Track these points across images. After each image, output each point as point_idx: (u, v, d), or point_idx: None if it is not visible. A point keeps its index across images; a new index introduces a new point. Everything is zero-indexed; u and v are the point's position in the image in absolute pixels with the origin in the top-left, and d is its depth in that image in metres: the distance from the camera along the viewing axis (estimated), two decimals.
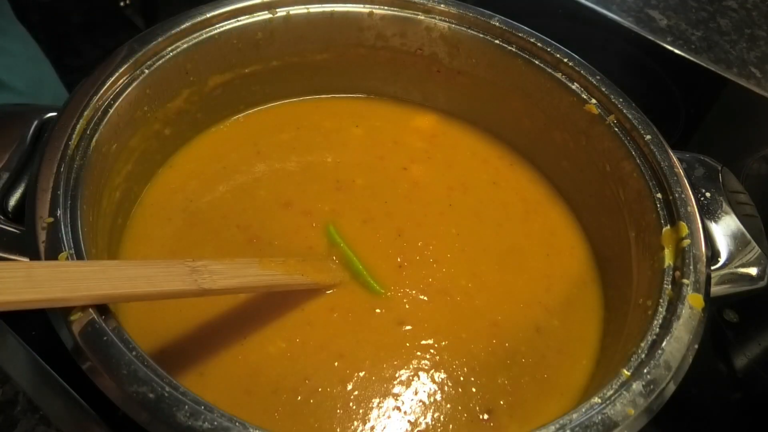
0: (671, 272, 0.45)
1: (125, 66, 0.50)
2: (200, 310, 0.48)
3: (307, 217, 0.56)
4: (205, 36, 0.55)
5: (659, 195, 0.49)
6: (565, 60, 0.56)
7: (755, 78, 0.92)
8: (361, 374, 0.47)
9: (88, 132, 0.46)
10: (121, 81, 0.50)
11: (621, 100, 0.54)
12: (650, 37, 0.88)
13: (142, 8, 1.19)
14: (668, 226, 0.47)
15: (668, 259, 0.46)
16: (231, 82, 0.60)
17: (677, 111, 0.79)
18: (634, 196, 0.51)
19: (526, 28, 0.59)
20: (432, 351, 0.49)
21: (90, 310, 0.36)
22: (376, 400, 0.46)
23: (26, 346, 0.48)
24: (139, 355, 0.35)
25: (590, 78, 0.55)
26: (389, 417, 0.45)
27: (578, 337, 0.51)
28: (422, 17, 0.60)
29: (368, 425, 0.44)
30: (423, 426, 0.45)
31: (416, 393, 0.46)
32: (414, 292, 0.52)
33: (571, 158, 0.59)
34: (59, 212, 0.41)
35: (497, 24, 0.59)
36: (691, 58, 0.85)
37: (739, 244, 0.48)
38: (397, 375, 0.47)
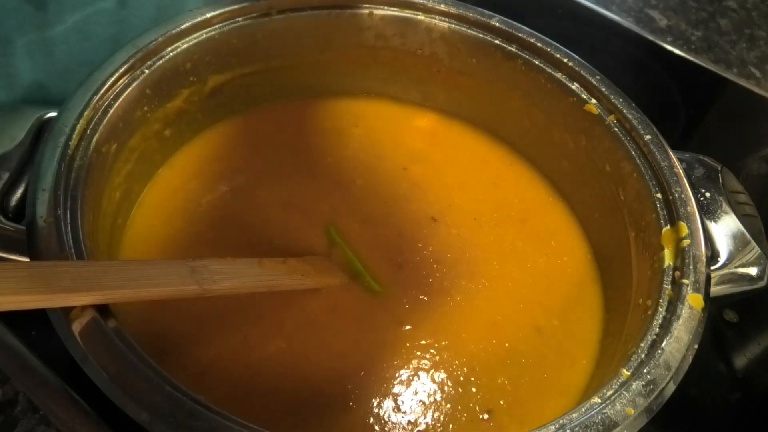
0: (671, 272, 0.45)
1: (125, 66, 0.50)
2: (200, 310, 0.48)
3: (307, 217, 0.56)
4: (205, 36, 0.55)
5: (659, 195, 0.49)
6: (565, 60, 0.56)
7: (755, 78, 0.92)
8: (361, 374, 0.47)
9: (88, 132, 0.46)
10: (121, 81, 0.50)
11: (621, 100, 0.54)
12: (650, 37, 0.88)
13: None
14: (668, 226, 0.47)
15: (668, 259, 0.46)
16: (231, 82, 0.60)
17: (677, 111, 0.79)
18: (634, 196, 0.51)
19: (526, 28, 0.59)
20: (432, 351, 0.49)
21: (90, 310, 0.36)
22: (376, 400, 0.46)
23: (26, 346, 0.47)
24: (139, 355, 0.35)
25: (590, 78, 0.55)
26: (389, 417, 0.45)
27: (578, 337, 0.51)
28: (422, 17, 0.60)
29: (368, 425, 0.44)
30: (423, 426, 0.45)
31: (416, 393, 0.46)
32: (414, 292, 0.52)
33: (571, 158, 0.59)
34: (59, 212, 0.41)
35: (497, 24, 0.59)
36: (691, 58, 0.85)
37: (739, 244, 0.48)
38: (397, 375, 0.47)
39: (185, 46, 0.54)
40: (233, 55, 0.58)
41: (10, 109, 0.52)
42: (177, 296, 0.41)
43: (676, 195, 0.48)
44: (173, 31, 0.53)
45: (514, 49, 0.59)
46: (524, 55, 0.58)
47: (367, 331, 0.49)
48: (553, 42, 0.58)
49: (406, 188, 0.59)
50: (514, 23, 0.59)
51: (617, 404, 0.37)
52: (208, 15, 0.55)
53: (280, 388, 0.45)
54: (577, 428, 0.36)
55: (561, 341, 0.51)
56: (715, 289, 0.45)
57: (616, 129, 0.53)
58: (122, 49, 0.51)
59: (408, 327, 0.50)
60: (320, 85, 0.66)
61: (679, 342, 0.40)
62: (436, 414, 0.46)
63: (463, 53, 0.61)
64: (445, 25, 0.60)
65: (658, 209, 0.48)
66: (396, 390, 0.46)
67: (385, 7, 0.60)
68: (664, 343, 0.40)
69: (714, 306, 0.46)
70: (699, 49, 0.95)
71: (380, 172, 0.60)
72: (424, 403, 0.46)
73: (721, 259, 0.47)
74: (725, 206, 0.50)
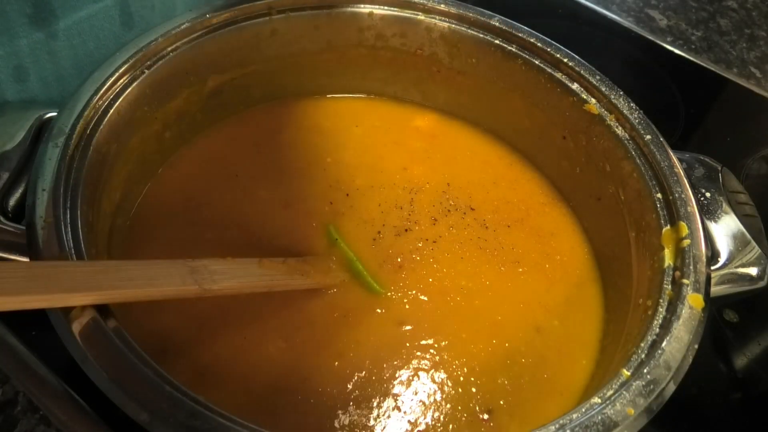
0: (671, 272, 0.45)
1: (125, 66, 0.50)
2: (200, 310, 0.48)
3: (307, 217, 0.56)
4: (205, 36, 0.55)
5: (659, 195, 0.49)
6: (565, 60, 0.56)
7: (755, 78, 0.92)
8: (361, 374, 0.47)
9: (88, 132, 0.46)
10: (121, 81, 0.50)
11: (621, 100, 0.54)
12: (650, 37, 0.88)
13: None
14: (668, 226, 0.47)
15: (668, 259, 0.46)
16: (231, 82, 0.60)
17: (677, 111, 0.79)
18: (634, 196, 0.51)
19: (526, 28, 0.59)
20: (432, 351, 0.49)
21: (90, 310, 0.36)
22: (376, 400, 0.46)
23: (26, 346, 0.47)
24: (139, 355, 0.35)
25: (590, 78, 0.55)
26: (389, 417, 0.45)
27: (578, 338, 0.51)
28: (422, 17, 0.60)
29: (368, 425, 0.44)
30: (423, 426, 0.45)
31: (416, 393, 0.46)
32: (414, 292, 0.52)
33: (571, 158, 0.59)
34: (59, 212, 0.41)
35: (497, 24, 0.59)
36: (691, 58, 0.85)
37: (739, 244, 0.48)
38: (397, 375, 0.47)
39: (185, 46, 0.54)
40: (233, 55, 0.58)
41: (10, 109, 0.52)
42: (177, 296, 0.41)
43: (676, 195, 0.48)
44: (173, 31, 0.53)
45: (514, 49, 0.59)
46: (524, 55, 0.58)
47: (367, 331, 0.49)
48: (553, 42, 0.58)
49: (406, 188, 0.59)
50: (514, 23, 0.59)
51: (617, 404, 0.37)
52: (208, 15, 0.55)
53: (280, 388, 0.45)
54: (577, 428, 0.36)
55: (561, 341, 0.51)
56: (715, 289, 0.45)
57: (616, 129, 0.53)
58: (122, 49, 0.51)
59: (408, 327, 0.50)
60: (321, 85, 0.66)
61: (679, 342, 0.40)
62: (436, 414, 0.46)
63: (463, 53, 0.61)
64: (445, 25, 0.60)
65: (658, 209, 0.48)
66: (396, 390, 0.46)
67: (385, 7, 0.60)
68: (664, 343, 0.40)
69: (714, 306, 0.46)
70: (699, 49, 0.95)
71: (380, 172, 0.60)
72: (424, 403, 0.46)
73: (721, 259, 0.47)
74: (725, 206, 0.50)
